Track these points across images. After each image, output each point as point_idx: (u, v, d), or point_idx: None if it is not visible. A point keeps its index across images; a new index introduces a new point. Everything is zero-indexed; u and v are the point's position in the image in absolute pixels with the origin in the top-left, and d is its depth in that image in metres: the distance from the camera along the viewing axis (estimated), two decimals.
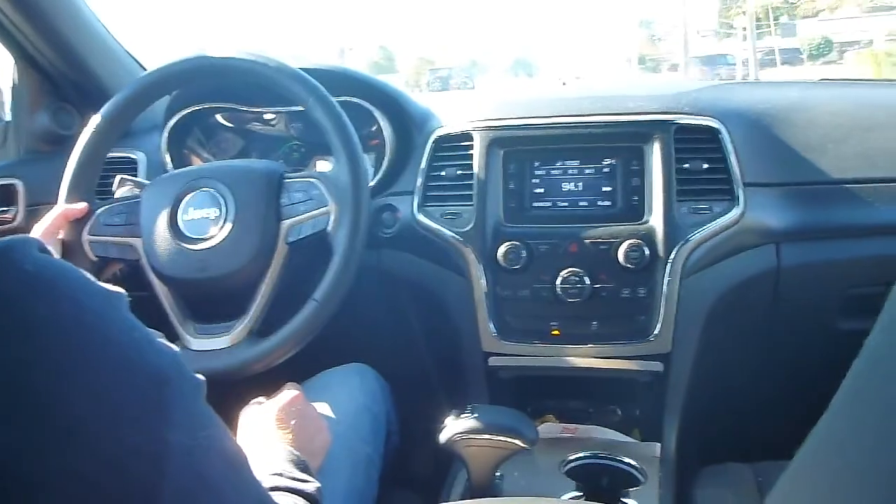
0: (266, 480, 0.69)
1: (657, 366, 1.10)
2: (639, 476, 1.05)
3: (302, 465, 0.74)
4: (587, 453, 1.08)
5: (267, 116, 1.32)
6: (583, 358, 1.11)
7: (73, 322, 0.42)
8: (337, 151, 0.97)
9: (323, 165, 1.21)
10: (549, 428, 1.17)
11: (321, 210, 0.98)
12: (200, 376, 0.49)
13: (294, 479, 0.71)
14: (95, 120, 1.03)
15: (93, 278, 0.45)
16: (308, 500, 0.69)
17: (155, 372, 0.45)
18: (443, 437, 0.93)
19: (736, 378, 1.22)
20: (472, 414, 0.93)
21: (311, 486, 0.71)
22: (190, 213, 1.00)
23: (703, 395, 1.15)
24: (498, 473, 0.96)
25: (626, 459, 1.07)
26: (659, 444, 1.13)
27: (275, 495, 0.64)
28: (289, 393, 0.87)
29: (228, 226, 0.98)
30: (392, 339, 1.29)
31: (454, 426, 0.92)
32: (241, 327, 0.98)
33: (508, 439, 0.91)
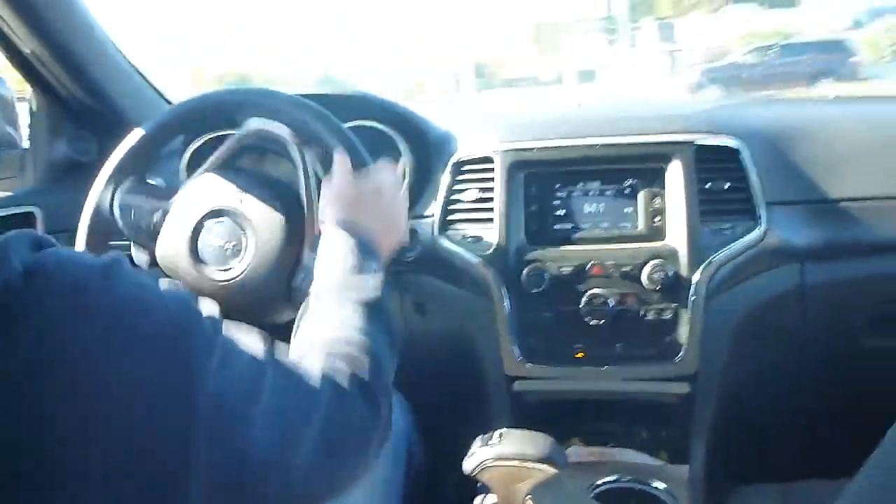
0: (326, 339, 0.64)
1: (684, 387, 1.10)
2: (667, 500, 1.04)
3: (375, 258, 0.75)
4: (615, 477, 1.07)
5: None
6: (608, 380, 1.11)
7: (80, 309, 0.43)
8: None
9: None
10: (576, 451, 1.16)
11: None
12: (215, 313, 0.51)
13: (351, 354, 0.63)
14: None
15: (87, 255, 0.47)
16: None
17: (171, 324, 0.46)
18: (470, 465, 0.92)
19: (763, 398, 1.21)
20: (500, 440, 0.92)
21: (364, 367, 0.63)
22: (212, 237, 0.98)
23: (730, 416, 1.14)
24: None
25: (655, 483, 1.06)
26: (687, 465, 1.12)
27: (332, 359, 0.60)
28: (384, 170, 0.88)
29: (242, 266, 0.95)
30: (412, 362, 1.28)
31: (481, 453, 0.92)
32: None
33: (538, 466, 0.90)
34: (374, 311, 0.68)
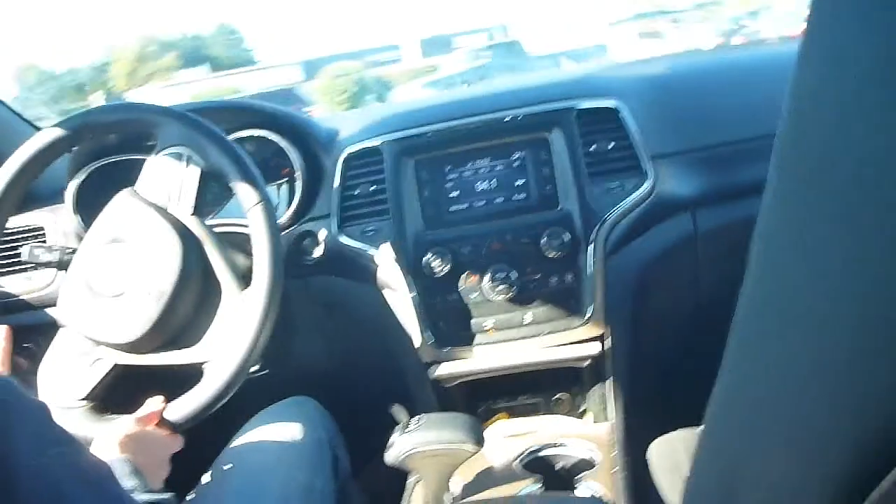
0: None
1: (595, 348, 1.11)
2: (593, 457, 1.05)
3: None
4: (540, 445, 1.08)
5: None
6: (521, 353, 1.12)
7: None
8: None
9: None
10: (503, 426, 1.17)
11: None
12: (41, 399, 0.52)
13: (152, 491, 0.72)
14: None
15: None
16: None
17: None
18: (390, 456, 0.92)
19: (672, 348, 1.24)
20: (416, 427, 0.92)
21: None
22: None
23: (644, 369, 1.16)
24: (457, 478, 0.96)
25: (579, 444, 1.07)
26: (609, 423, 1.14)
27: None
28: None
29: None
30: (331, 366, 1.28)
31: (400, 443, 0.91)
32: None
33: (454, 446, 0.90)
34: None
